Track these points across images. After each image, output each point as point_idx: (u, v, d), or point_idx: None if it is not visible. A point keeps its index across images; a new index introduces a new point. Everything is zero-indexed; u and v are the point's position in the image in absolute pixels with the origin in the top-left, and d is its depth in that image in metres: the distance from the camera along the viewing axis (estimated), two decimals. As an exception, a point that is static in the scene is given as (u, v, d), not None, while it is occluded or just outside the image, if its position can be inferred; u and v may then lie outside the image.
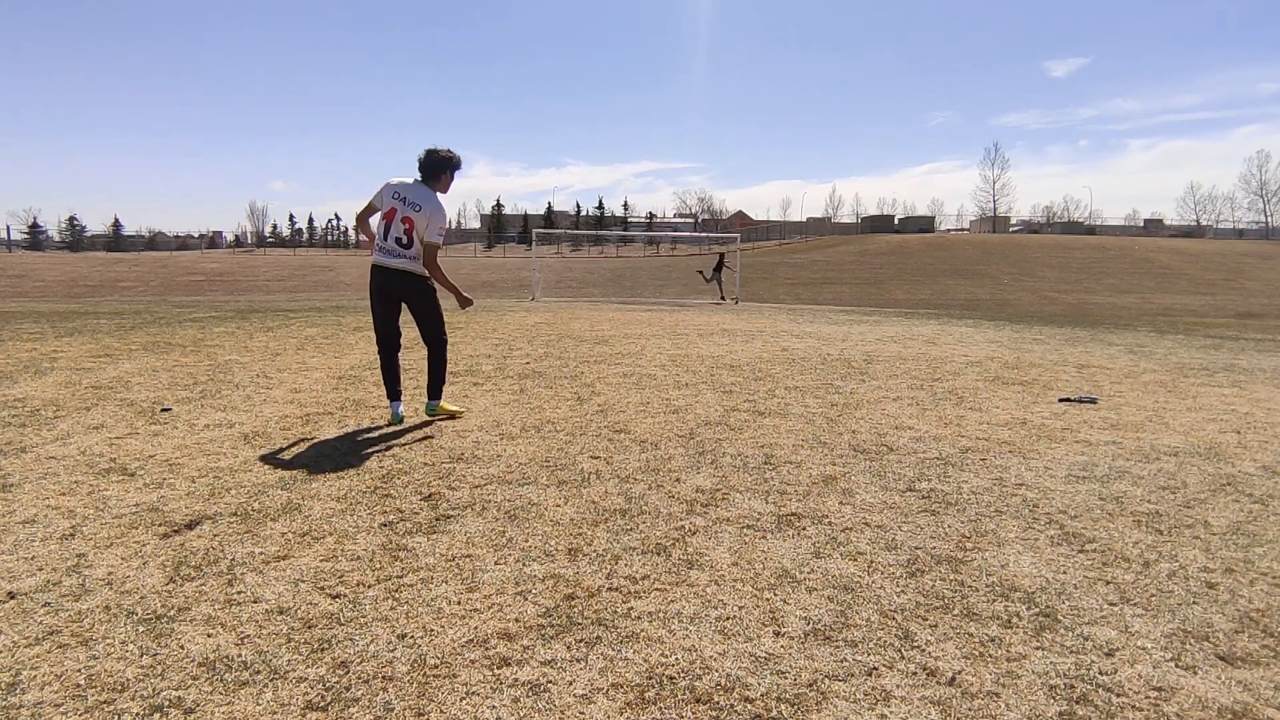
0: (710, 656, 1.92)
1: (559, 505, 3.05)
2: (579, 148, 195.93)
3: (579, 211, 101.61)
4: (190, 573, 2.36)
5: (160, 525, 2.77)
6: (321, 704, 1.69)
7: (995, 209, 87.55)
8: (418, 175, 4.25)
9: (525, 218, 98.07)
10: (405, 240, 4.16)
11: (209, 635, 1.98)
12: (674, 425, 4.47)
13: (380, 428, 4.30)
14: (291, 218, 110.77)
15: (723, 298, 22.07)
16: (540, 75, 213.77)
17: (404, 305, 4.34)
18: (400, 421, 4.36)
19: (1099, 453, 3.99)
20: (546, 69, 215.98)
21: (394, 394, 4.36)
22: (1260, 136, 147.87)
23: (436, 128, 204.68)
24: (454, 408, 4.64)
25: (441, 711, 1.67)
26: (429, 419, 4.49)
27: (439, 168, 4.24)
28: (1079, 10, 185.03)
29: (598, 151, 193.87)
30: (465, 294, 4.58)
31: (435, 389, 4.50)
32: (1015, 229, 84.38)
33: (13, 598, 2.18)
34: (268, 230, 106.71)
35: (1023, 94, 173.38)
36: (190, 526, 2.76)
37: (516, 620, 2.09)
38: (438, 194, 4.26)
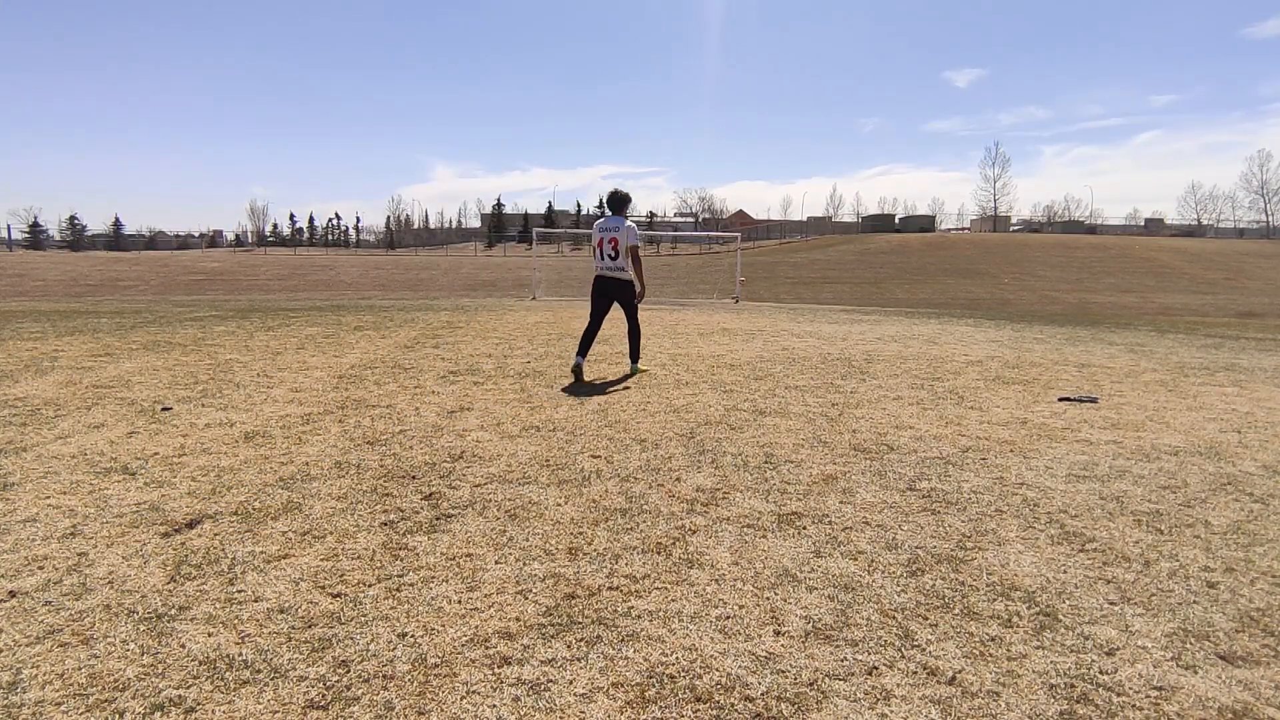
0: (711, 655, 1.92)
1: (559, 504, 3.05)
2: (535, 153, 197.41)
3: (579, 211, 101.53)
4: (191, 571, 2.37)
5: (161, 524, 2.77)
6: (322, 703, 1.69)
7: (996, 208, 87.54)
8: (608, 210, 6.42)
9: (526, 216, 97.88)
10: (614, 254, 6.24)
11: (210, 634, 1.98)
12: (674, 424, 4.47)
13: (380, 427, 4.30)
14: (292, 217, 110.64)
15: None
16: (501, 79, 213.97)
17: (614, 302, 6.37)
18: (578, 370, 5.92)
19: (1099, 452, 3.99)
20: (509, 73, 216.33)
21: (584, 350, 6.07)
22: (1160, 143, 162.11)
23: (396, 122, 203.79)
24: (646, 368, 6.55)
25: (442, 710, 1.67)
26: (628, 375, 6.26)
27: (623, 202, 6.39)
28: (973, 24, 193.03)
29: (557, 156, 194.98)
30: (644, 287, 6.51)
31: (635, 355, 6.51)
32: (1016, 228, 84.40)
33: (14, 596, 2.18)
34: (268, 229, 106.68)
35: (943, 102, 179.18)
36: (191, 525, 2.76)
37: (517, 619, 2.09)
38: (625, 218, 6.34)
